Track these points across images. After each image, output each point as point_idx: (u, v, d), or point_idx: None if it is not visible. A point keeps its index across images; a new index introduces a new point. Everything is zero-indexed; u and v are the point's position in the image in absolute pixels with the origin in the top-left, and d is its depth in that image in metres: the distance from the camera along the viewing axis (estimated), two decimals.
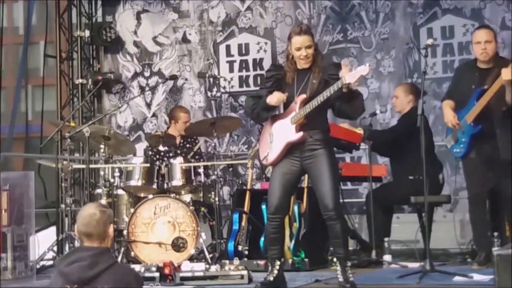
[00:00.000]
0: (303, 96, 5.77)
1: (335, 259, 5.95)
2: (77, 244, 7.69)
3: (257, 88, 9.85)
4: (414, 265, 7.11)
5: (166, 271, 6.34)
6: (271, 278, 5.88)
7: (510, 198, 6.79)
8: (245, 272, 6.23)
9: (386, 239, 7.55)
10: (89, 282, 3.99)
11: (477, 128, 6.72)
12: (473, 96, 6.75)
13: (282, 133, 5.84)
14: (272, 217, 5.89)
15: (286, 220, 7.20)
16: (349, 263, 5.80)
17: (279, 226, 5.92)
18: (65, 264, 4.03)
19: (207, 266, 6.42)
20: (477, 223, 6.90)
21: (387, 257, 7.39)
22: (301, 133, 5.77)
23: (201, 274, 6.30)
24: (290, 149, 5.82)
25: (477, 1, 9.25)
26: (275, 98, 5.80)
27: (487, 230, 6.98)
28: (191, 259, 7.24)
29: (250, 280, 6.23)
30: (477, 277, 6.02)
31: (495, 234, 7.20)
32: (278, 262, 5.90)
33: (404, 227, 8.43)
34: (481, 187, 6.84)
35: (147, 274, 6.25)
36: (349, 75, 5.57)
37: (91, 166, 8.12)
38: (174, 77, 8.49)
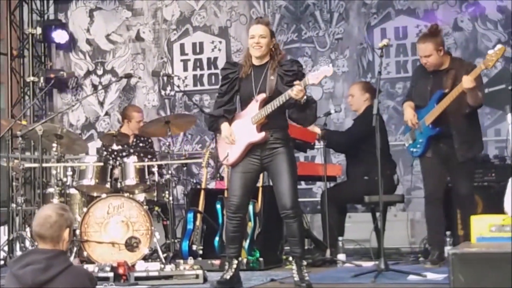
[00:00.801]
0: (263, 95, 5.75)
1: (290, 258, 5.94)
2: (28, 243, 7.60)
3: (211, 87, 9.96)
4: (368, 264, 7.15)
5: (120, 271, 6.27)
6: (228, 277, 5.85)
7: (464, 198, 6.85)
8: (200, 272, 6.19)
9: (340, 238, 7.57)
10: (43, 285, 3.92)
11: (435, 130, 6.78)
12: (433, 98, 6.79)
13: (243, 133, 5.80)
14: (232, 216, 5.86)
15: None
16: (304, 262, 5.80)
17: (239, 225, 5.90)
18: (19, 267, 3.95)
19: (162, 265, 6.36)
20: (432, 222, 6.96)
21: (341, 256, 7.41)
22: (263, 134, 5.74)
23: (156, 274, 6.24)
24: (251, 149, 5.80)
25: (430, 2, 9.33)
26: (224, 133, 5.84)
27: (442, 229, 7.04)
28: (145, 258, 7.19)
29: (205, 279, 6.19)
30: (430, 275, 6.08)
31: (448, 233, 7.28)
32: (235, 261, 5.88)
33: (355, 226, 8.46)
34: (436, 186, 6.91)
35: (101, 274, 6.18)
36: (313, 76, 5.57)
37: (44, 165, 8.00)
38: (129, 76, 8.40)
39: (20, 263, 3.97)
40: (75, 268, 4.11)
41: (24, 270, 3.92)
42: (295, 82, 5.56)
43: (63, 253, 4.08)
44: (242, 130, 5.81)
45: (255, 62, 5.84)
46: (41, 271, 3.91)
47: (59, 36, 10.38)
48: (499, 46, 6.37)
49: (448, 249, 7.11)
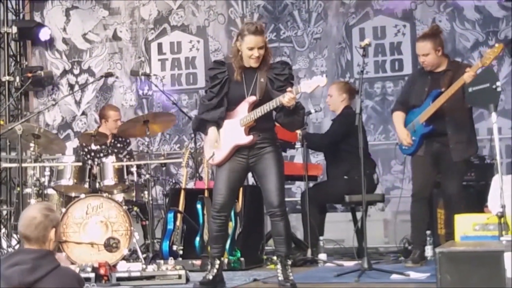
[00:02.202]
0: (254, 98, 5.69)
1: (275, 258, 5.91)
2: (4, 244, 7.52)
3: (190, 86, 9.93)
4: (349, 263, 7.15)
5: (102, 271, 6.21)
6: (210, 277, 5.81)
7: (451, 197, 6.86)
8: (182, 272, 6.15)
9: (321, 237, 7.57)
10: (30, 286, 3.85)
11: (428, 128, 6.78)
12: (429, 97, 6.80)
13: (231, 134, 5.74)
14: (217, 215, 5.82)
15: None
16: (289, 262, 5.76)
17: (223, 224, 5.86)
18: (6, 266, 3.88)
19: (144, 266, 6.30)
20: (416, 220, 6.96)
21: (322, 256, 7.40)
22: (251, 137, 5.70)
23: (138, 274, 6.18)
24: (238, 149, 5.76)
25: (408, 2, 9.36)
26: (210, 137, 5.76)
27: (425, 228, 7.05)
28: (124, 259, 7.13)
29: (188, 279, 6.15)
30: (413, 275, 6.09)
31: (428, 232, 7.30)
32: (218, 261, 5.84)
33: (331, 226, 8.44)
34: (424, 185, 6.90)
35: (82, 275, 6.06)
36: (305, 84, 5.55)
37: (23, 165, 7.90)
38: (109, 75, 8.30)
39: (8, 263, 3.90)
40: (63, 269, 4.04)
41: (12, 270, 3.86)
42: (287, 89, 5.51)
43: (50, 253, 4.01)
44: (230, 131, 5.75)
45: (246, 64, 5.75)
46: (28, 271, 3.85)
47: (44, 33, 10.26)
48: (496, 44, 6.41)
49: (429, 248, 7.22)
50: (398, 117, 7.02)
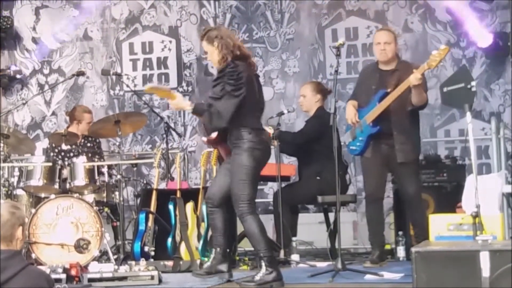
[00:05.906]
0: None
1: (246, 259, 5.90)
2: None
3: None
4: (322, 264, 7.13)
5: (73, 272, 6.14)
6: (205, 266, 6.00)
7: (410, 198, 6.86)
8: (155, 273, 6.10)
9: (294, 238, 7.53)
10: None
11: (375, 128, 6.80)
12: (375, 97, 6.82)
13: None
14: (207, 201, 6.00)
15: (194, 220, 7.13)
16: (263, 263, 5.74)
17: (212, 213, 5.95)
18: None
19: (116, 267, 6.24)
20: (372, 221, 6.99)
21: (295, 257, 7.37)
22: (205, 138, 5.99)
23: (110, 275, 6.12)
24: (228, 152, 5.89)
25: (381, 3, 9.38)
26: None
27: (382, 229, 7.06)
28: (95, 260, 7.05)
29: (160, 280, 6.11)
30: (387, 275, 6.08)
31: (400, 233, 7.30)
32: (214, 251, 5.96)
33: (301, 227, 8.42)
34: (377, 186, 6.91)
35: (53, 276, 6.00)
36: None
37: None
38: (81, 73, 8.21)
39: None
40: (32, 269, 3.99)
41: None
42: None
43: (18, 253, 3.96)
44: None
45: None
46: None
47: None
48: (442, 46, 6.45)
49: (401, 249, 7.23)
50: (350, 102, 7.06)
